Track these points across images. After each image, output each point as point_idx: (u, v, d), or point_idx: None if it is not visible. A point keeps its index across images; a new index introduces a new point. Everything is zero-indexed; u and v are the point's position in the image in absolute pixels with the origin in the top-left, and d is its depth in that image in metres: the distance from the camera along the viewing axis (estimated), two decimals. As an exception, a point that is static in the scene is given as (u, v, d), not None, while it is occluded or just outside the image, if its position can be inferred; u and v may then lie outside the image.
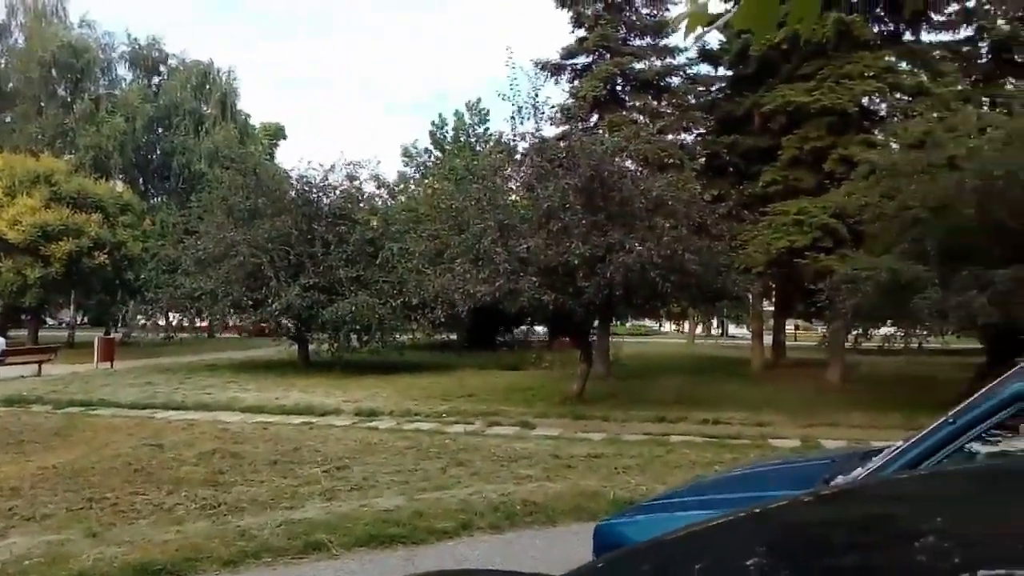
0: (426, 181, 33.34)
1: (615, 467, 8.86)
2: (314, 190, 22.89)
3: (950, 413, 2.80)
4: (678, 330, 31.71)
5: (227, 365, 23.60)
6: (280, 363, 23.42)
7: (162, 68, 42.79)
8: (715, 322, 58.22)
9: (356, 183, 23.68)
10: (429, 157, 39.53)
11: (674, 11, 23.68)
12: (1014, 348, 13.39)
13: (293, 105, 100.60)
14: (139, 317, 26.86)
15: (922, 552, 0.91)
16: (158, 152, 40.42)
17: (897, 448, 3.02)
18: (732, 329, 58.45)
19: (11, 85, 38.90)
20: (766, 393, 16.65)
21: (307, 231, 21.59)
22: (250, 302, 21.38)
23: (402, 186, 34.66)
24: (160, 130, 40.29)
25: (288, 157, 51.03)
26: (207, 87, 42.35)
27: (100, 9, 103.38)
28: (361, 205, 23.72)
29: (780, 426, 12.36)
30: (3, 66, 39.79)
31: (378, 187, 25.63)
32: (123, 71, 42.75)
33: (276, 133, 50.60)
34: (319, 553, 5.61)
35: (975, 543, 0.96)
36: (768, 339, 26.24)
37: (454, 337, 30.14)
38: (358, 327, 20.52)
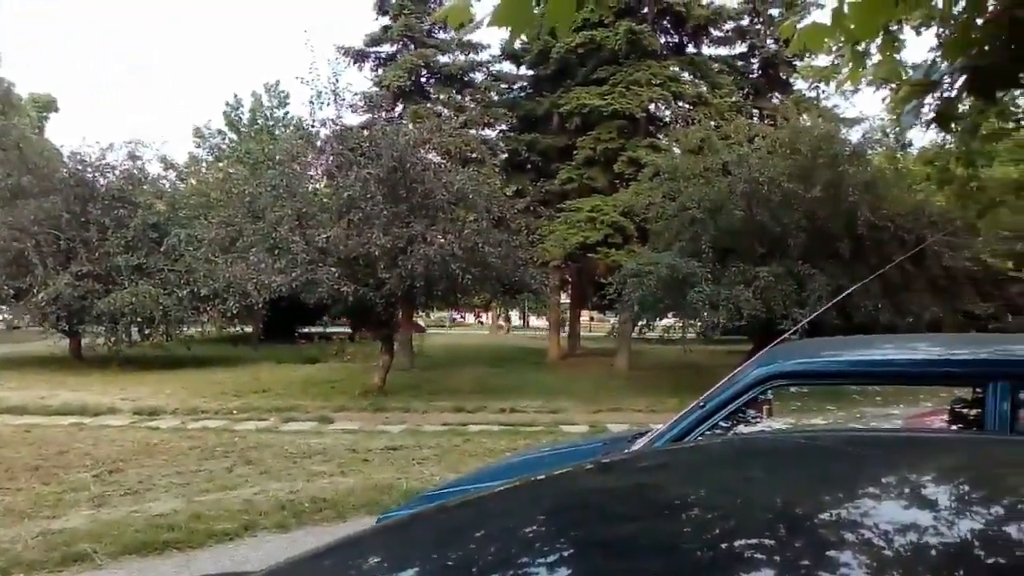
0: (220, 164, 31.48)
1: (412, 459, 8.88)
2: (89, 169, 20.82)
3: (701, 398, 3.06)
4: (479, 322, 32.29)
5: (-18, 362, 20.99)
6: (49, 358, 21.15)
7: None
8: (517, 313, 60.01)
9: (139, 163, 21.84)
10: (223, 139, 37.36)
11: (479, 7, 24.07)
12: (775, 337, 14.95)
13: (75, 79, 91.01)
14: None
15: (673, 517, 1.02)
16: None
17: (657, 431, 3.25)
18: (534, 320, 60.47)
19: None
20: (560, 381, 17.42)
21: (81, 214, 19.62)
22: (11, 292, 19.14)
23: (193, 169, 32.48)
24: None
25: (64, 134, 46.08)
26: (-40, 49, 37.29)
27: None
28: (145, 187, 21.91)
29: (571, 412, 12.98)
30: None
31: (165, 169, 23.80)
32: None
33: (47, 105, 45.47)
34: (81, 564, 5.14)
35: (717, 508, 1.09)
36: (566, 330, 27.42)
37: (249, 330, 28.75)
38: (139, 319, 18.96)
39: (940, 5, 2.92)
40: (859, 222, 13.71)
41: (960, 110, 2.94)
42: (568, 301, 28.90)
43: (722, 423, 3.06)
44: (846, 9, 2.71)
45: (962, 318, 16.62)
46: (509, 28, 1.58)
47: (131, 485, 7.39)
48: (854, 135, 16.57)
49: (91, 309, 18.61)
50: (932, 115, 2.59)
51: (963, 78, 2.50)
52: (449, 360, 23.16)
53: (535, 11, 1.58)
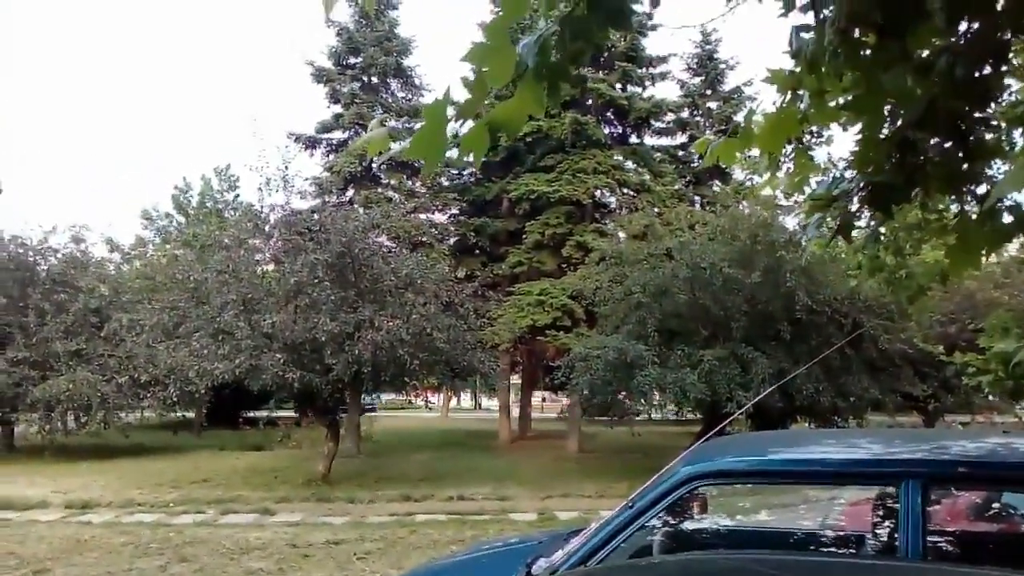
0: (166, 247, 31.17)
1: (354, 553, 8.64)
2: (30, 253, 20.44)
3: (630, 496, 3.10)
4: (427, 405, 31.92)
5: (-97, 454, 19.93)
6: (-25, 449, 20.23)
7: None
8: (469, 395, 59.54)
9: (82, 246, 21.52)
10: (171, 222, 37.09)
11: (427, 97, 24.77)
12: (724, 419, 15.11)
13: (16, 160, 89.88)
14: None
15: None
16: None
17: (590, 530, 3.27)
18: (485, 401, 60.04)
19: None
20: (510, 466, 17.24)
21: (19, 299, 19.16)
22: (-62, 379, 18.38)
23: (138, 251, 32.07)
24: None
25: (7, 216, 45.22)
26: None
27: None
28: (88, 271, 21.53)
29: (520, 499, 12.83)
30: None
31: (110, 251, 23.49)
32: None
33: (-12, 186, 44.76)
34: None
35: None
36: (516, 412, 27.29)
37: (191, 415, 27.91)
38: (76, 406, 18.32)
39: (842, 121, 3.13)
40: (798, 306, 14.13)
41: (862, 222, 3.13)
42: (519, 382, 28.88)
43: (652, 522, 3.10)
44: (753, 127, 2.91)
45: (901, 399, 17.07)
46: (423, 160, 1.67)
47: (56, 588, 7.04)
48: (790, 222, 17.26)
49: (25, 396, 17.97)
50: (836, 226, 2.76)
51: (861, 193, 2.69)
52: (397, 445, 22.79)
53: (448, 144, 1.69)
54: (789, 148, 3.36)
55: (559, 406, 43.11)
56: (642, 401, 15.95)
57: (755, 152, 3.21)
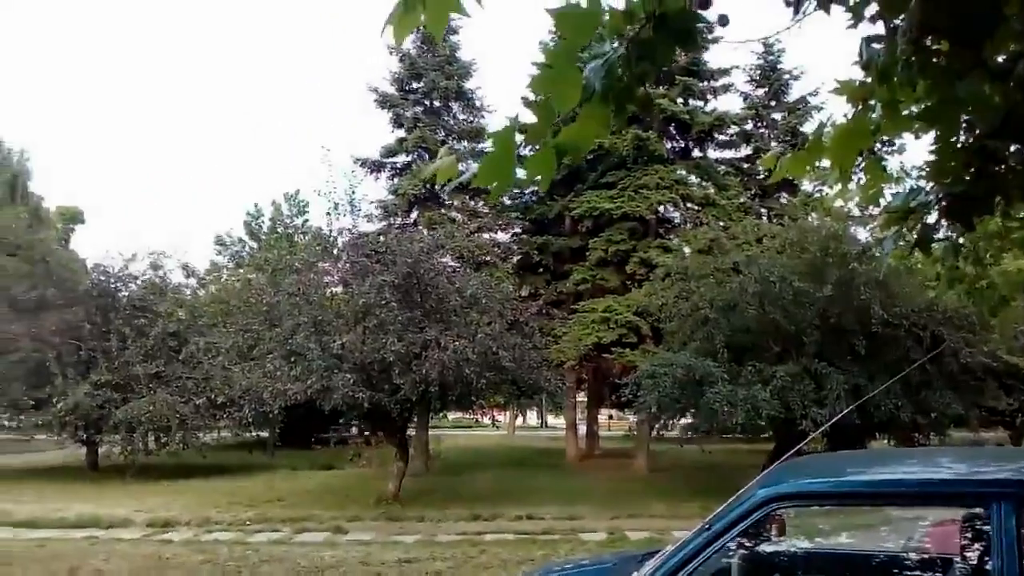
0: (240, 271, 32.14)
1: (427, 572, 8.70)
2: (112, 280, 21.35)
3: (707, 519, 3.05)
4: (493, 424, 31.96)
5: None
6: (64, 468, 21.11)
7: (-59, 144, 38.94)
8: (535, 413, 59.41)
9: (160, 273, 22.39)
10: (243, 247, 38.24)
11: (489, 119, 25.07)
12: (798, 437, 14.72)
13: (100, 192, 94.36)
14: None
15: None
16: (-70, 235, 36.26)
17: (666, 552, 3.22)
18: (551, 419, 59.78)
19: None
20: (578, 485, 17.11)
21: (102, 324, 20.01)
22: (31, 402, 19.29)
23: (213, 276, 33.16)
24: (-66, 211, 36.31)
25: (88, 244, 47.35)
26: (-6, 167, 38.91)
27: None
28: (166, 296, 22.36)
29: (589, 519, 12.71)
30: None
31: (187, 276, 24.35)
32: None
33: (73, 217, 46.98)
34: None
35: None
36: (583, 429, 27.10)
37: (266, 435, 28.60)
38: (156, 427, 19.00)
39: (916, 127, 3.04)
40: (873, 320, 13.71)
41: (941, 234, 3.03)
42: (585, 400, 28.70)
43: (729, 545, 3.04)
44: (824, 139, 2.86)
45: (985, 414, 16.34)
46: (492, 186, 1.70)
47: (140, 605, 7.27)
48: (862, 233, 16.78)
49: (109, 418, 18.72)
50: (914, 239, 2.68)
51: (940, 205, 2.61)
52: (465, 463, 22.87)
53: (516, 168, 1.71)
54: (860, 159, 3.29)
55: (626, 424, 42.68)
56: (712, 419, 15.66)
57: (825, 163, 3.15)
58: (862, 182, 3.33)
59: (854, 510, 3.94)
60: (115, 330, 19.82)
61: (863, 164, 3.34)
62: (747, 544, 3.27)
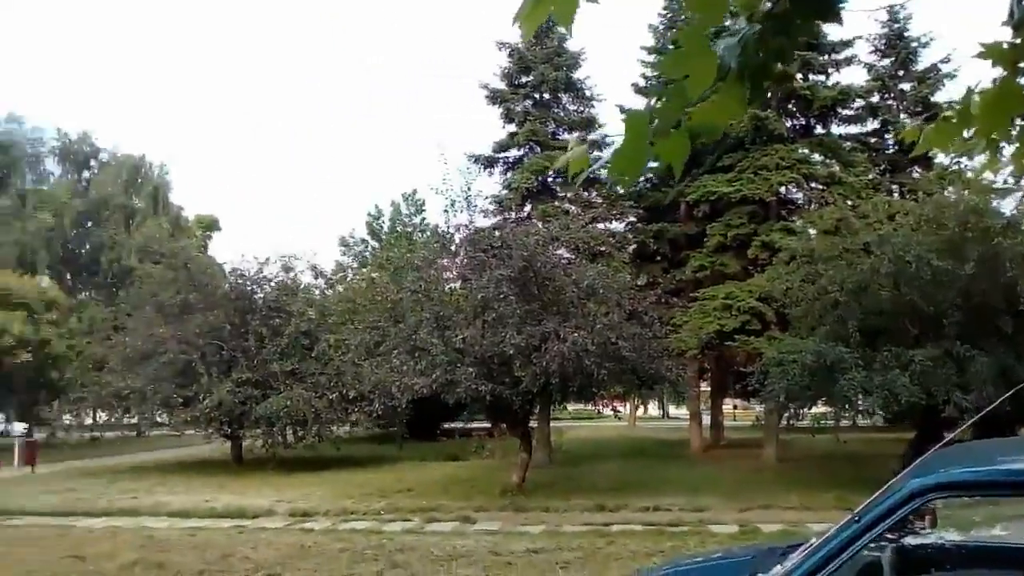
0: (363, 271, 33.31)
1: (555, 562, 8.75)
2: (248, 283, 22.64)
3: (855, 511, 2.92)
4: (615, 415, 31.78)
5: (155, 466, 22.62)
6: (211, 462, 22.58)
7: (93, 162, 42.38)
8: (656, 404, 58.64)
9: (292, 275, 23.55)
10: (366, 247, 39.63)
11: (599, 108, 24.83)
12: (940, 424, 13.86)
13: (230, 197, 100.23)
14: (65, 417, 25.92)
15: None
16: (87, 247, 39.58)
17: (810, 545, 3.11)
18: (673, 410, 58.84)
19: (-69, 183, 37.90)
20: (704, 476, 16.76)
21: (240, 325, 21.25)
22: (180, 400, 20.72)
23: (339, 276, 34.55)
24: (89, 224, 39.56)
25: (223, 250, 50.34)
26: (139, 181, 42.04)
27: (37, 107, 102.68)
28: (297, 297, 23.49)
29: (718, 510, 12.42)
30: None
31: (315, 277, 25.48)
32: (52, 166, 42.24)
33: (210, 225, 50.07)
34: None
35: None
36: (707, 420, 26.53)
37: (394, 428, 29.56)
38: (293, 422, 20.02)
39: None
40: (1022, 297, 12.72)
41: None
42: (708, 390, 28.08)
43: (879, 538, 2.90)
44: (973, 108, 2.66)
45: None
46: (625, 177, 1.68)
47: (288, 590, 7.68)
48: (1007, 205, 15.57)
49: (250, 414, 19.86)
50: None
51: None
52: (587, 454, 22.88)
53: (648, 155, 1.69)
54: (1013, 127, 3.05)
55: (752, 414, 41.44)
56: (846, 407, 14.98)
57: (966, 134, 2.92)
58: (1013, 151, 3.09)
59: (1012, 501, 3.67)
60: (253, 330, 21.00)
61: (1016, 132, 3.09)
62: (898, 537, 3.11)
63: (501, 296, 13.96)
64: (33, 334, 27.82)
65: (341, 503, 14.08)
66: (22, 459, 21.99)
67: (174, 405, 20.93)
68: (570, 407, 33.79)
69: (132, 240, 38.26)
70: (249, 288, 22.57)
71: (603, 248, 20.74)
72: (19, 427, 31.91)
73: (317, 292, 25.29)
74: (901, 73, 24.61)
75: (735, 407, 47.95)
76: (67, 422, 26.44)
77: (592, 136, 23.79)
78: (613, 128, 28.90)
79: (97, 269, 39.20)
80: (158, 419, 23.46)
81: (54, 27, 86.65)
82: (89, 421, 34.65)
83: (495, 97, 24.55)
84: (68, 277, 40.00)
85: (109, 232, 38.49)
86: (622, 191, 23.58)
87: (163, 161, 44.82)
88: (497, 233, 16.38)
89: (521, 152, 24.67)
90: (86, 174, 42.15)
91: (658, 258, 23.69)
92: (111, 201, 39.54)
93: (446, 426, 30.85)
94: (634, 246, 23.40)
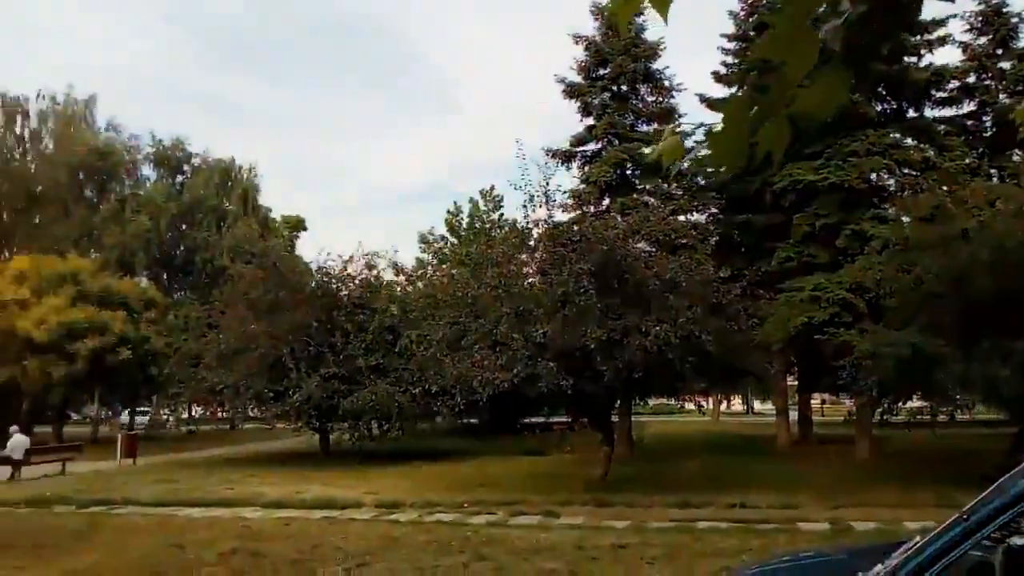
0: (443, 267, 33.71)
1: (641, 557, 8.68)
2: (334, 280, 23.25)
3: (964, 509, 2.79)
4: (700, 409, 31.24)
5: (249, 458, 23.52)
6: (301, 454, 23.32)
7: (186, 167, 44.28)
8: (739, 399, 57.47)
9: (375, 272, 24.07)
10: (445, 244, 40.08)
11: (679, 97, 24.39)
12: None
13: (311, 197, 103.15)
14: (163, 411, 27.25)
15: None
16: (181, 248, 41.35)
17: (914, 544, 2.99)
18: (757, 405, 57.57)
19: (39, 189, 40.25)
20: (793, 472, 16.32)
21: (327, 321, 21.83)
22: (271, 394, 21.45)
23: (420, 272, 35.10)
24: (183, 227, 41.34)
25: (309, 249, 51.82)
26: (229, 183, 43.67)
27: (127, 113, 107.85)
28: (380, 293, 23.99)
29: (808, 508, 12.08)
30: (33, 171, 41.26)
31: (396, 274, 25.96)
32: (148, 171, 44.37)
33: (297, 225, 51.66)
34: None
35: None
36: (794, 415, 25.84)
37: (475, 422, 29.89)
38: (378, 416, 20.48)
39: None
40: None
41: None
42: (796, 384, 27.33)
43: (991, 537, 2.76)
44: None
45: None
46: (725, 166, 1.65)
47: (378, 580, 7.85)
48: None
49: (337, 408, 20.40)
50: None
51: None
52: (670, 450, 22.59)
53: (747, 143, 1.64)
54: None
55: (842, 409, 40.12)
56: (944, 400, 14.38)
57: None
58: None
59: None
60: (338, 326, 21.57)
61: None
62: (1012, 538, 2.96)
63: (581, 290, 13.90)
64: (133, 332, 29.31)
65: (426, 495, 14.30)
66: (124, 451, 23.06)
67: (265, 399, 21.68)
68: (650, 402, 33.51)
69: (224, 241, 39.80)
70: (334, 285, 23.18)
71: (685, 240, 20.41)
72: (121, 420, 33.70)
73: (398, 288, 25.77)
74: (1000, 51, 23.29)
75: (823, 402, 46.60)
76: (165, 416, 27.75)
77: (680, 127, 23.39)
78: (693, 118, 28.26)
79: (191, 269, 40.92)
80: (250, 413, 24.36)
81: (147, 31, 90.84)
82: (185, 415, 36.34)
83: (572, 91, 24.44)
84: (164, 277, 41.92)
85: (202, 233, 40.13)
86: (703, 182, 23.16)
87: (251, 164, 46.44)
88: (576, 227, 16.32)
89: (599, 145, 24.48)
90: (180, 178, 44.06)
91: (742, 249, 23.16)
92: (204, 204, 41.21)
93: (526, 420, 30.99)
94: (717, 238, 22.93)
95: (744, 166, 1.66)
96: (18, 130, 41.62)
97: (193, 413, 31.50)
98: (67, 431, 33.57)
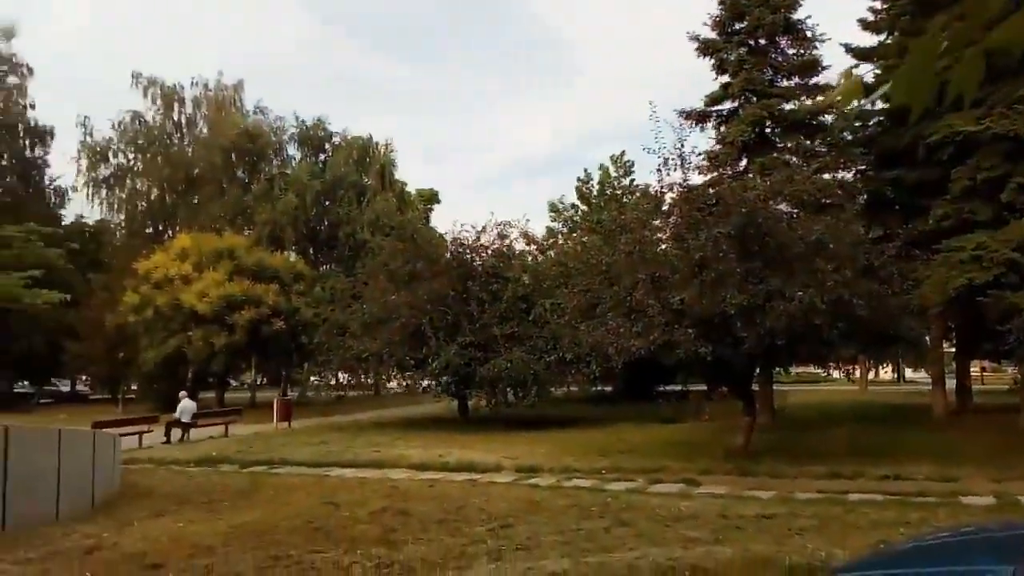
0: (574, 235, 33.68)
1: (789, 528, 8.43)
2: (468, 251, 23.74)
3: None
4: (848, 377, 29.69)
5: (393, 422, 24.57)
6: (441, 419, 24.12)
7: (327, 146, 46.30)
8: (889, 367, 54.44)
9: (507, 242, 24.37)
10: (576, 212, 40.00)
11: (821, 48, 23.01)
12: None
13: (442, 171, 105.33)
14: (313, 378, 28.93)
15: None
16: (325, 223, 43.41)
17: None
18: (909, 373, 54.40)
19: (196, 171, 43.30)
20: (951, 443, 15.34)
21: (462, 291, 22.35)
22: (412, 361, 22.24)
23: (551, 241, 35.22)
24: (327, 203, 43.35)
25: (442, 221, 53.18)
26: (367, 160, 45.30)
27: (272, 95, 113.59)
28: (513, 263, 24.29)
29: (970, 481, 11.34)
30: (191, 154, 44.41)
31: (528, 244, 26.19)
32: (293, 151, 46.77)
33: (431, 199, 53.03)
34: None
35: None
36: (951, 383, 24.19)
37: (609, 389, 29.86)
38: (514, 383, 20.84)
39: None
40: None
41: None
42: (953, 351, 25.55)
43: None
44: None
45: None
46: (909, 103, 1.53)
47: (521, 541, 8.04)
48: None
49: (474, 375, 20.93)
50: None
51: None
52: (814, 419, 21.72)
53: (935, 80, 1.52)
54: None
55: (1004, 377, 37.19)
56: None
57: None
58: None
59: None
60: (473, 296, 22.05)
61: None
62: None
63: (720, 255, 13.48)
64: (285, 304, 31.17)
65: (563, 461, 14.45)
66: (280, 416, 24.66)
67: (407, 367, 22.54)
68: (793, 370, 32.29)
69: (364, 215, 41.42)
70: (468, 256, 23.67)
71: (830, 200, 19.36)
72: (274, 387, 36.00)
73: (530, 258, 26.00)
74: None
75: (982, 369, 43.49)
76: (315, 382, 29.51)
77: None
78: (838, 70, 26.60)
79: (335, 243, 42.93)
80: (393, 379, 25.42)
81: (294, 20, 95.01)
82: (334, 382, 38.37)
83: (706, 48, 23.53)
84: (311, 251, 44.20)
85: (344, 209, 41.94)
86: (850, 137, 21.85)
87: (387, 140, 47.90)
88: (712, 190, 15.81)
89: (735, 104, 23.53)
90: (322, 156, 46.13)
91: (896, 208, 21.72)
92: (345, 180, 43.00)
93: (662, 388, 30.67)
94: (866, 196, 21.61)
95: (928, 103, 1.53)
96: (176, 116, 44.91)
97: (340, 380, 33.09)
98: (228, 396, 36.29)
